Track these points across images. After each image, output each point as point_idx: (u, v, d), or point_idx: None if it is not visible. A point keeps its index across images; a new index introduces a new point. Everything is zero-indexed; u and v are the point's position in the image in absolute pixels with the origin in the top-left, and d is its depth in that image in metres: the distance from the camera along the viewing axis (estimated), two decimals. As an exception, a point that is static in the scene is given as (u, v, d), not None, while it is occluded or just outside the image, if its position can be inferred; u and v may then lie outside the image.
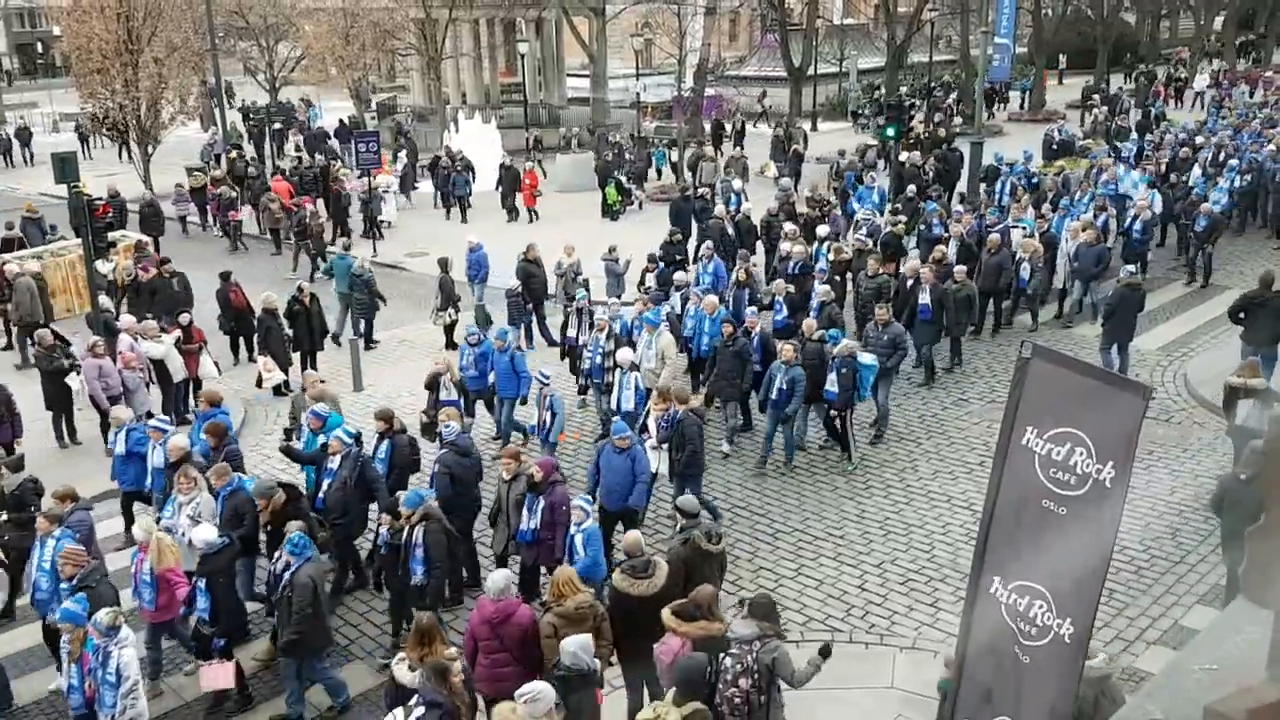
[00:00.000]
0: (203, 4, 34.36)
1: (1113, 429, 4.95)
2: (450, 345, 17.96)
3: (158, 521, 9.97)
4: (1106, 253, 18.15)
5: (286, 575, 8.66)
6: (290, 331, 16.34)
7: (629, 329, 14.76)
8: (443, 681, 6.96)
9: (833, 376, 12.93)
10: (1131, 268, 16.97)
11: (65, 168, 15.73)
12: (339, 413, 12.25)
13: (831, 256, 18.05)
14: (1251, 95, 43.02)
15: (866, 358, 13.28)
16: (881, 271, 16.55)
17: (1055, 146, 29.91)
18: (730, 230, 20.30)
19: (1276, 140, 26.07)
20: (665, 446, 11.55)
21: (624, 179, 28.38)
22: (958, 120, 39.04)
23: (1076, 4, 54.56)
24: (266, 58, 44.77)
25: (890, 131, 28.94)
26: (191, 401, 15.74)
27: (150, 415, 14.89)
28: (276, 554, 9.03)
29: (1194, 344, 17.38)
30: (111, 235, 19.28)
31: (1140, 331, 17.91)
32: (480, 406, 14.33)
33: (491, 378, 13.85)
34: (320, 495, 10.68)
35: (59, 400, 14.58)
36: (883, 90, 42.53)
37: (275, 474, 11.91)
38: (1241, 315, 14.58)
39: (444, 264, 18.11)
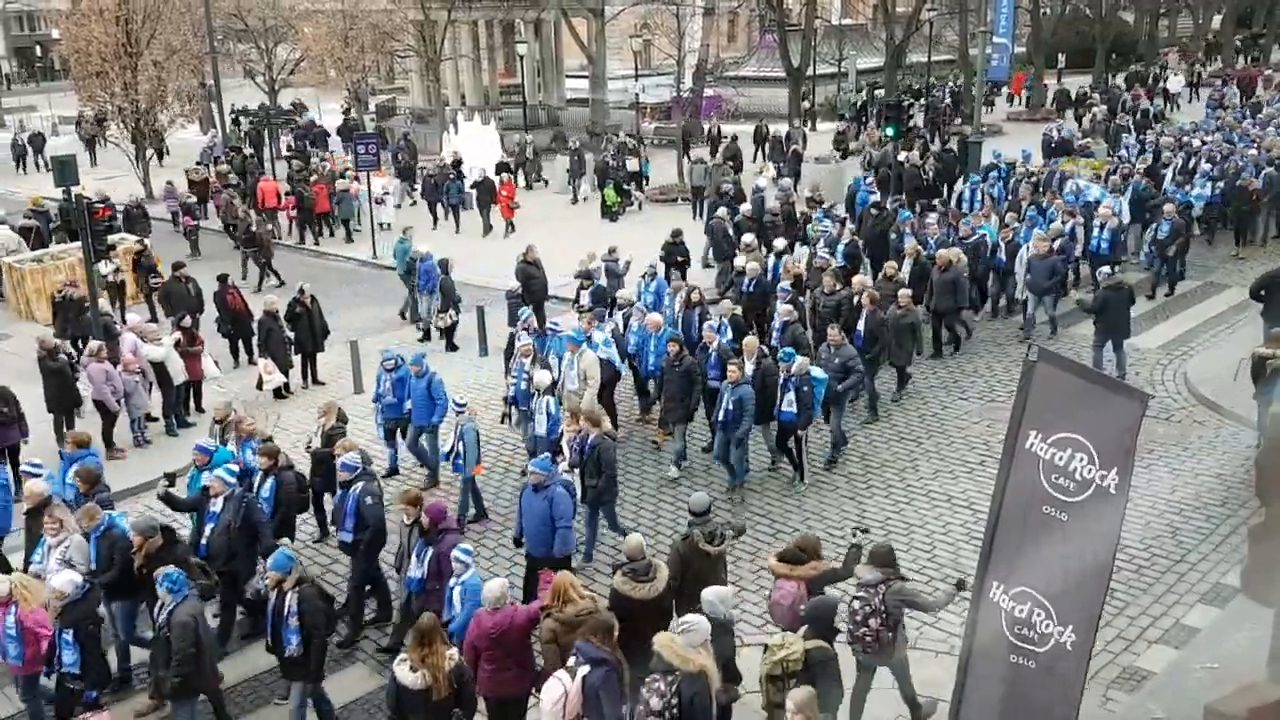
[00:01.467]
0: (201, 7, 34.35)
1: (1113, 435, 4.96)
2: (451, 347, 17.98)
3: (25, 567, 9.55)
4: (1061, 266, 17.46)
5: (163, 615, 8.24)
6: (291, 334, 16.34)
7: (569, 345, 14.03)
8: (606, 639, 7.37)
9: (790, 396, 12.46)
10: (1108, 269, 16.50)
11: (64, 171, 15.74)
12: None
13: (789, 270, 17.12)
14: (1249, 96, 42.81)
15: (816, 371, 12.90)
16: (840, 288, 15.73)
17: (1054, 145, 29.90)
18: (732, 231, 20.27)
19: (1266, 144, 25.83)
20: (577, 471, 11.04)
21: (620, 181, 28.36)
22: (956, 120, 39.06)
23: (1075, 3, 54.59)
24: (265, 60, 44.78)
25: (889, 131, 29.01)
26: (192, 405, 15.83)
27: (150, 418, 15.02)
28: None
29: (1194, 342, 17.38)
30: (111, 238, 19.30)
31: (1140, 330, 17.95)
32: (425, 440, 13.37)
33: (408, 404, 13.13)
34: (203, 541, 10.01)
35: (60, 402, 14.56)
36: (862, 94, 42.52)
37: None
38: (1261, 293, 15.24)
39: (444, 265, 18.12)
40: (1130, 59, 56.42)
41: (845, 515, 12.29)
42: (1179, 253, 19.68)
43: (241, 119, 41.04)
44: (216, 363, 16.20)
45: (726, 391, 12.36)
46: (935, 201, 24.06)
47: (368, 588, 10.50)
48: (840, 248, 18.50)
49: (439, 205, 27.55)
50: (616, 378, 14.46)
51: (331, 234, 27.08)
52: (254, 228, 22.79)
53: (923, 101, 41.72)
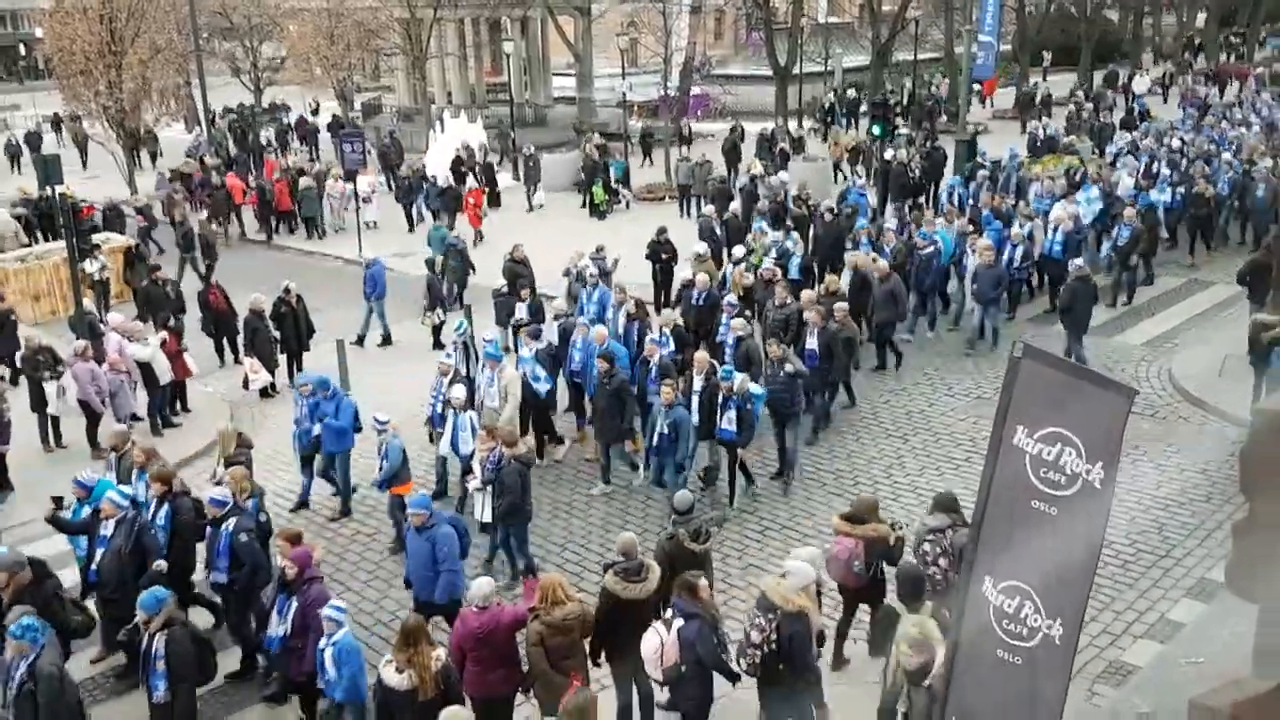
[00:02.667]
0: (186, 5, 34.20)
1: (1100, 429, 5.00)
2: (437, 345, 17.95)
3: None
4: (1005, 275, 17.07)
5: (22, 667, 7.52)
6: (277, 333, 16.29)
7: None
8: (694, 596, 7.73)
9: (731, 415, 12.03)
10: (1080, 261, 16.72)
11: (48, 169, 15.66)
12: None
13: (737, 280, 16.49)
14: (1222, 94, 42.97)
15: (754, 386, 12.50)
16: (790, 301, 15.14)
17: (1040, 144, 29.99)
18: (719, 230, 20.27)
19: (1249, 144, 25.76)
20: (489, 489, 10.85)
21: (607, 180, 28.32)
22: (942, 118, 39.14)
23: (1060, 1, 54.77)
24: (251, 58, 44.61)
25: (876, 130, 29.03)
26: (178, 405, 15.76)
27: (135, 418, 14.95)
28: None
29: (1178, 339, 17.47)
30: (97, 237, 19.25)
31: (1125, 327, 18.07)
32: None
33: (317, 429, 12.36)
34: (94, 566, 9.45)
35: (44, 402, 14.50)
36: (830, 97, 42.46)
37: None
38: (1247, 279, 15.86)
39: (431, 264, 18.10)
40: (1115, 57, 56.66)
41: (833, 511, 12.25)
42: (1143, 257, 19.41)
43: (219, 119, 40.77)
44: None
45: (660, 415, 11.83)
46: (921, 200, 24.15)
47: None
48: (796, 260, 17.94)
49: (414, 208, 27.14)
50: (542, 400, 13.67)
51: (292, 231, 27.12)
52: (198, 230, 22.28)
53: (904, 101, 41.76)
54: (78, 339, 14.82)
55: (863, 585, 9.05)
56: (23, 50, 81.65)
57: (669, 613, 7.86)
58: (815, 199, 21.98)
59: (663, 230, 19.76)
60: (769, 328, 14.72)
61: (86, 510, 9.79)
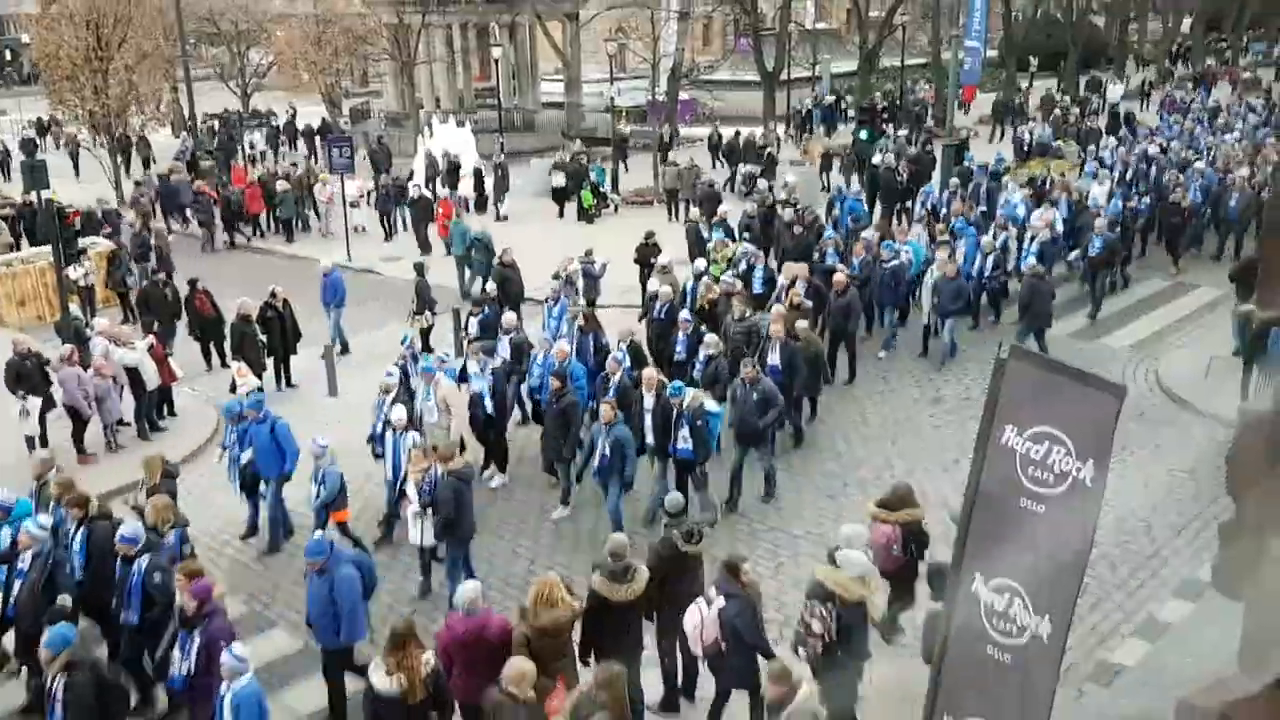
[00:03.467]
0: (173, 10, 34.12)
1: (1089, 428, 5.02)
2: (426, 348, 17.90)
3: None
4: (966, 287, 16.75)
5: None
6: (264, 338, 16.24)
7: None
8: (736, 577, 7.99)
9: (685, 433, 11.63)
10: (1033, 260, 16.74)
11: (34, 175, 15.61)
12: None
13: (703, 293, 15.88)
14: (1209, 97, 43.20)
15: (711, 404, 12.10)
16: (749, 314, 14.68)
17: (1027, 149, 30.11)
18: (707, 233, 20.29)
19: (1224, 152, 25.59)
20: (428, 512, 10.40)
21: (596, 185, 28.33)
22: (929, 123, 39.28)
23: (1046, 6, 55.08)
24: (238, 64, 44.52)
25: (864, 135, 29.14)
26: (165, 410, 15.69)
27: (122, 423, 14.88)
28: None
29: (1166, 341, 17.56)
30: (82, 242, 19.15)
31: (1112, 328, 18.15)
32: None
33: (248, 455, 11.71)
34: (12, 600, 9.09)
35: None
36: (812, 101, 42.54)
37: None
38: (1238, 277, 16.01)
39: (420, 268, 18.07)
40: (1101, 63, 56.99)
41: (822, 513, 12.32)
42: (1118, 266, 19.24)
43: (200, 126, 40.47)
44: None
45: (600, 435, 11.37)
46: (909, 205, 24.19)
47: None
48: (759, 272, 17.42)
49: (390, 217, 26.72)
50: (489, 419, 13.13)
51: (262, 235, 27.21)
52: (153, 240, 21.88)
53: (891, 105, 41.89)
54: (64, 344, 14.75)
55: (900, 567, 9.37)
56: (9, 56, 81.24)
57: (712, 590, 8.14)
58: (805, 203, 22.01)
59: (651, 234, 19.77)
60: (730, 343, 14.20)
61: (7, 532, 9.41)
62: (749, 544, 11.71)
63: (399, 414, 11.63)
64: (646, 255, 19.19)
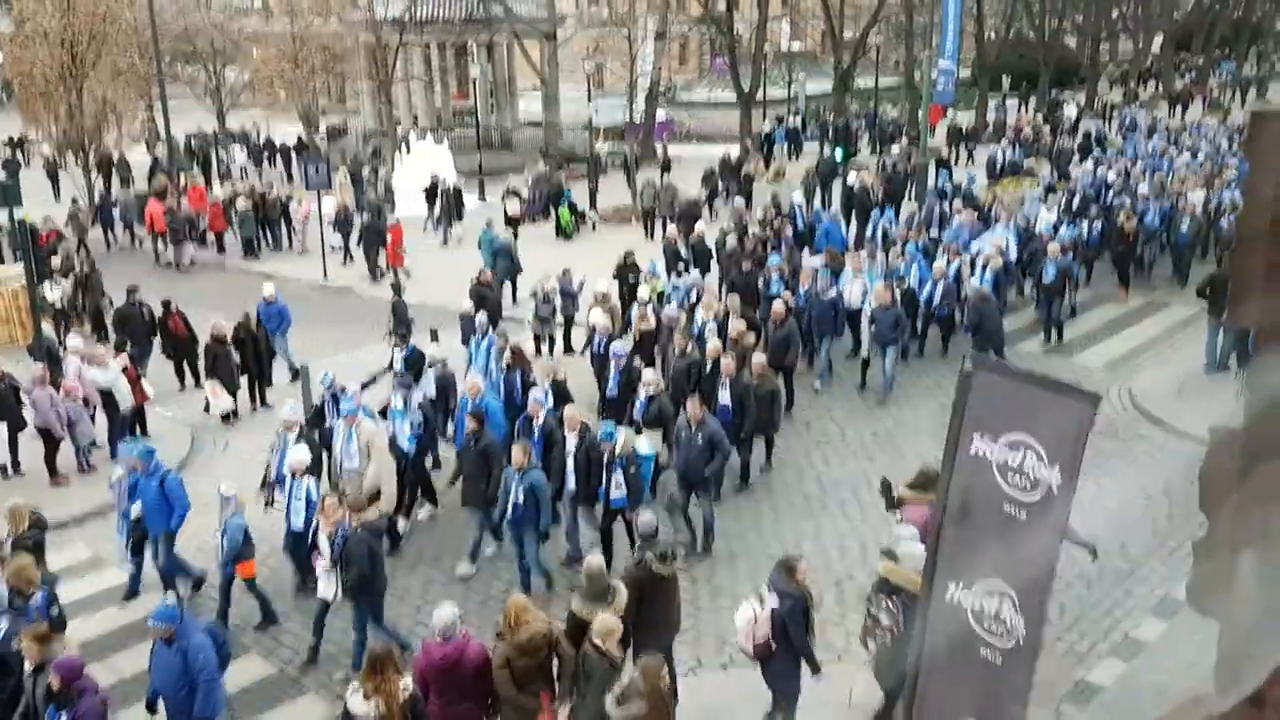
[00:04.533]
0: (149, 29, 33.96)
1: (1060, 435, 5.11)
2: (415, 375, 17.84)
3: None
4: (903, 318, 16.20)
5: None
6: (238, 359, 16.13)
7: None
8: (790, 576, 8.13)
9: (618, 478, 10.92)
10: (975, 282, 16.59)
11: (5, 194, 15.50)
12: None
13: (637, 325, 15.21)
14: (1183, 116, 43.69)
15: (643, 447, 11.45)
16: (692, 350, 14.01)
17: (1000, 168, 30.39)
18: (684, 250, 20.33)
19: (1177, 176, 25.07)
20: (338, 568, 9.68)
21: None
22: (904, 142, 39.62)
23: (1018, 27, 55.76)
24: (214, 82, 44.38)
25: (838, 153, 29.34)
26: (137, 430, 15.54)
27: (95, 445, 14.73)
28: None
29: (1139, 359, 17.71)
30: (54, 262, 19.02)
31: (1085, 347, 18.29)
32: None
33: (136, 509, 10.83)
34: None
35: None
36: (776, 121, 42.77)
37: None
38: (1207, 292, 16.23)
39: (397, 288, 18.04)
40: (1074, 82, 57.71)
41: (802, 534, 12.33)
42: (1070, 292, 18.80)
43: (161, 146, 40.07)
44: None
45: (514, 480, 10.54)
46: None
47: None
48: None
49: (347, 240, 26.02)
50: (412, 459, 12.41)
51: (221, 250, 27.23)
52: (85, 269, 21.28)
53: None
54: (36, 364, 14.60)
55: None
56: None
57: (764, 588, 8.29)
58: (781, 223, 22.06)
59: (630, 253, 19.81)
60: (673, 379, 13.66)
61: None
62: (728, 565, 11.71)
63: (299, 456, 10.75)
64: (626, 273, 19.22)
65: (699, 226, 22.01)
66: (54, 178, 34.38)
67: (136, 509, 10.86)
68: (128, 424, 15.20)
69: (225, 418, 16.08)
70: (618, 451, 10.96)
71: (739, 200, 25.66)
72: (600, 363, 14.58)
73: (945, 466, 5.50)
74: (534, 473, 10.66)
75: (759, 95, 42.83)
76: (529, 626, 7.79)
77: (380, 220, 24.79)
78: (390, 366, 14.68)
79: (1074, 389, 5.27)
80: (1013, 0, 52.97)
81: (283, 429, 11.60)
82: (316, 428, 12.55)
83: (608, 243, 24.87)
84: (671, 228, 23.59)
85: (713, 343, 13.90)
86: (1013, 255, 19.20)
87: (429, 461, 13.26)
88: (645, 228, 27.60)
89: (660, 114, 43.53)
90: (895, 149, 35.13)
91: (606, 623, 7.55)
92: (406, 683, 7.39)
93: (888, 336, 15.85)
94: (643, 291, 17.05)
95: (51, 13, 29.66)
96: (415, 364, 14.02)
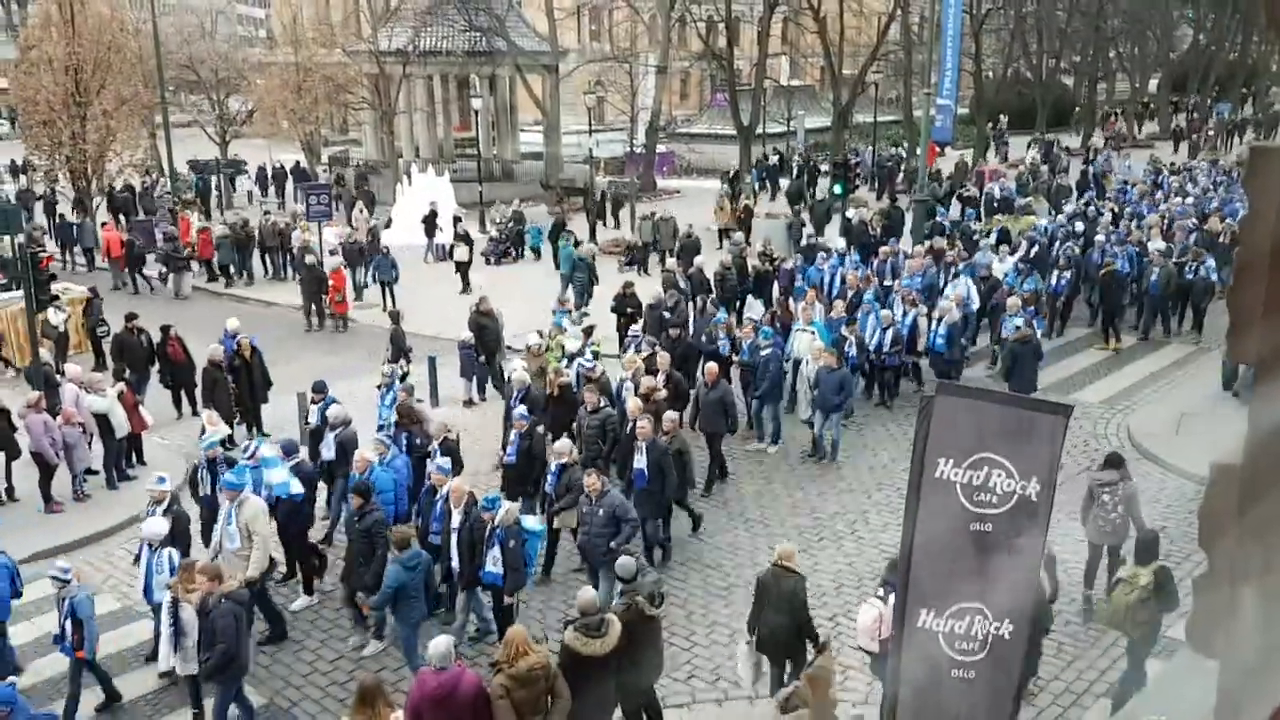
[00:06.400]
0: (153, 58, 34.26)
1: (1030, 449, 5.26)
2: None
3: None
4: (850, 380, 15.00)
5: None
6: (233, 385, 16.11)
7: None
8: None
9: (495, 553, 9.92)
10: (1019, 321, 16.03)
11: (6, 220, 15.55)
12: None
13: (552, 378, 14.15)
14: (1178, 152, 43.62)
15: (530, 521, 10.59)
16: (604, 405, 13.03)
17: (996, 204, 30.52)
18: (683, 283, 20.37)
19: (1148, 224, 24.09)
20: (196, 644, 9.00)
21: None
22: (900, 178, 39.89)
23: (1016, 65, 56.33)
24: (217, 111, 44.69)
25: (837, 189, 29.48)
26: (134, 458, 15.50)
27: (91, 471, 14.67)
28: None
29: (1136, 397, 17.71)
30: (55, 287, 19.01)
31: (1083, 385, 18.30)
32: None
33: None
34: None
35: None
36: (771, 157, 42.97)
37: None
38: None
39: (395, 317, 18.06)
40: (1071, 121, 58.20)
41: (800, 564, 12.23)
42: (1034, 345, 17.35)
43: (161, 176, 40.10)
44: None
45: (393, 561, 9.71)
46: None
47: None
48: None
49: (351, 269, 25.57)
50: (301, 524, 11.52)
51: (214, 279, 27.37)
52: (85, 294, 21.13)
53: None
54: (33, 389, 14.57)
55: None
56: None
57: (883, 589, 8.58)
58: (778, 254, 22.16)
59: (629, 284, 19.86)
60: (585, 438, 12.67)
61: None
62: (724, 598, 11.63)
63: (156, 528, 10.08)
64: (624, 305, 19.25)
65: (698, 260, 22.06)
66: (51, 208, 33.95)
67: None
68: (123, 451, 15.17)
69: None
70: (497, 521, 10.02)
71: (738, 234, 25.78)
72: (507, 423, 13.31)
73: (910, 496, 5.60)
74: (416, 554, 9.72)
75: (758, 130, 43.16)
76: (529, 658, 7.74)
77: (319, 267, 23.34)
78: (306, 420, 13.76)
79: (1045, 403, 5.40)
80: (1010, 40, 53.57)
81: (151, 500, 10.84)
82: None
83: (606, 275, 24.93)
84: (670, 260, 23.66)
85: (632, 402, 12.76)
86: (974, 306, 18.64)
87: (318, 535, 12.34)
88: (641, 263, 27.27)
89: (660, 148, 43.87)
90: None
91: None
92: (397, 715, 7.33)
93: (832, 401, 14.58)
94: (570, 344, 15.95)
95: (57, 40, 29.93)
96: (339, 421, 12.72)
